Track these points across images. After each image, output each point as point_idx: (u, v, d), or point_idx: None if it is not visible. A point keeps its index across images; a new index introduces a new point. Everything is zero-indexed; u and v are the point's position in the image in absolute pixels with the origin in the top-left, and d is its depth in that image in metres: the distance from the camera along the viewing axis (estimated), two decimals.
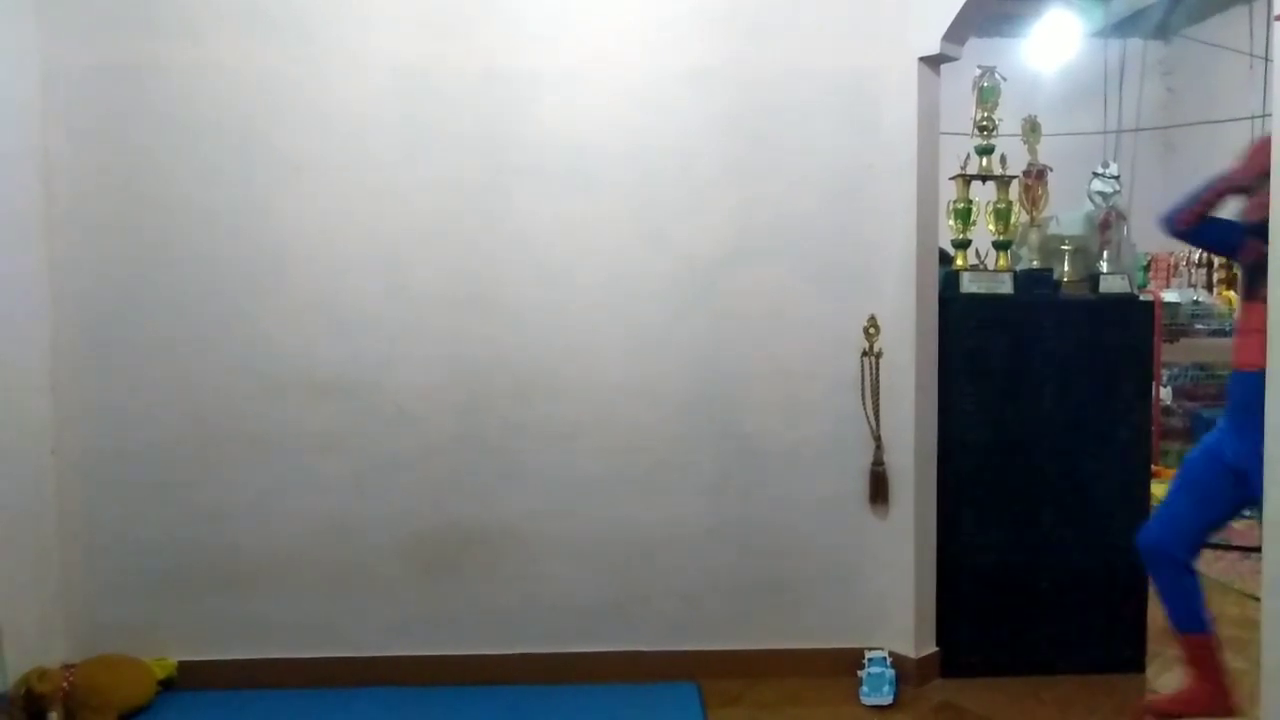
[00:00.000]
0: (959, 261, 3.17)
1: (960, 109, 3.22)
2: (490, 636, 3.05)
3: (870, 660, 2.97)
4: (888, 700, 2.87)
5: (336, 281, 2.98)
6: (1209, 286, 6.98)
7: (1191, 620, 2.59)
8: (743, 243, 3.04)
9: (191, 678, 2.95)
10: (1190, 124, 7.58)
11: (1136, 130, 7.75)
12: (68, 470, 2.94)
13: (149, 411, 2.96)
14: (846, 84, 3.03)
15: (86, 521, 2.96)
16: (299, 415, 2.99)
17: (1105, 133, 7.68)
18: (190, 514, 2.98)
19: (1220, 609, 3.92)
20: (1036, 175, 3.24)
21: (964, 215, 3.16)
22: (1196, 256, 7.12)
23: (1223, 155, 2.63)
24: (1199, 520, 2.58)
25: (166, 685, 2.91)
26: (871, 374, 3.04)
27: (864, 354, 3.05)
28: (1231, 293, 6.66)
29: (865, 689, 2.90)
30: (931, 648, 3.09)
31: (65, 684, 2.69)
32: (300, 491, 2.99)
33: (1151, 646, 3.19)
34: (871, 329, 3.04)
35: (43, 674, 2.70)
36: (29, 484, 2.82)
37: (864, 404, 3.05)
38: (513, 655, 3.05)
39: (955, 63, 2.98)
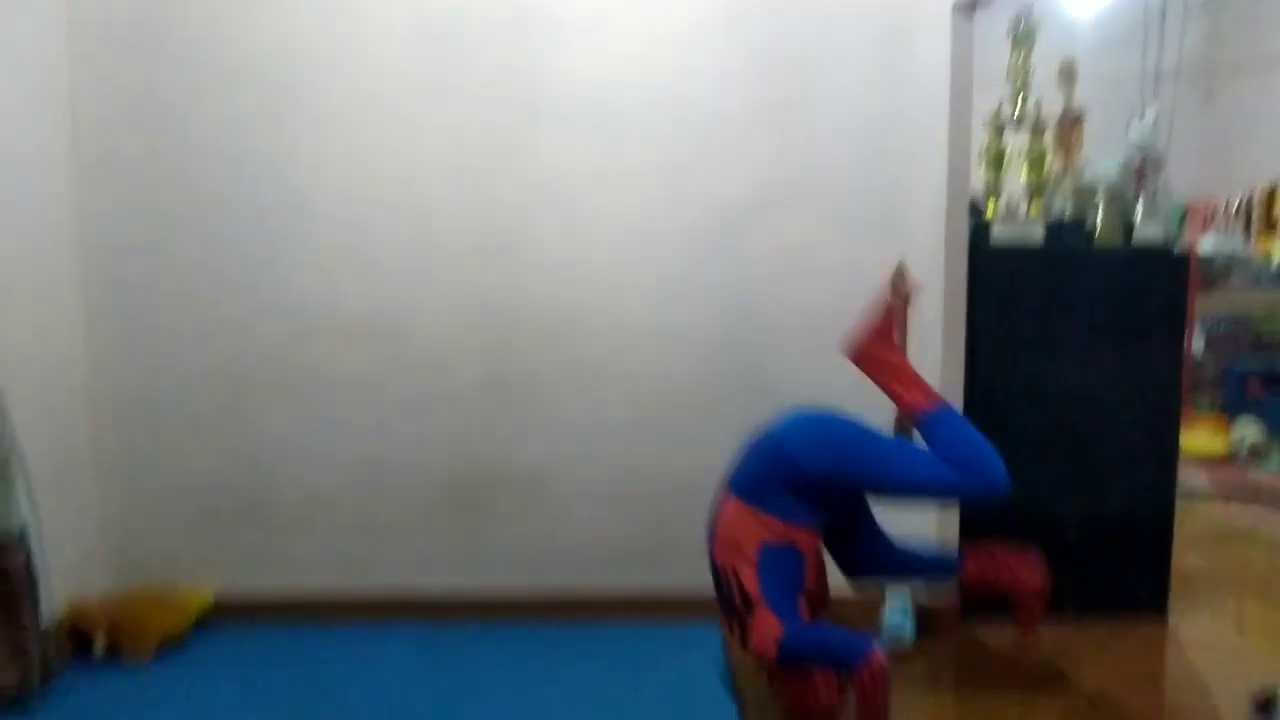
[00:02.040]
0: (990, 211, 3.12)
1: (995, 53, 3.15)
2: (516, 575, 3.12)
3: (892, 601, 3.00)
4: (908, 640, 2.92)
5: (361, 227, 2.99)
6: (1247, 235, 6.82)
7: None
8: (769, 190, 3.02)
9: (227, 610, 3.05)
10: (1235, 66, 7.34)
11: (1177, 74, 7.52)
12: (103, 410, 3.01)
13: (179, 354, 3.01)
14: (878, 29, 2.96)
15: (123, 460, 3.04)
16: (326, 359, 3.03)
17: (1144, 77, 7.46)
18: (223, 453, 3.05)
19: (1247, 558, 3.93)
20: (1071, 122, 3.16)
21: (996, 163, 3.10)
22: (1235, 204, 6.96)
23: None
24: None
25: (203, 616, 3.00)
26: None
27: None
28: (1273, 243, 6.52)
29: (886, 630, 2.95)
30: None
31: (108, 613, 2.79)
32: (329, 433, 3.05)
33: (1174, 593, 3.21)
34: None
35: (87, 604, 2.80)
36: (67, 424, 2.90)
37: None
38: (538, 594, 3.12)
39: (990, 6, 2.90)
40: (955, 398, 3.05)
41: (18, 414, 2.51)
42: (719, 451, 3.08)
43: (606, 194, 3.00)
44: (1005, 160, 3.10)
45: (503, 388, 3.06)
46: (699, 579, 3.11)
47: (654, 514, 3.12)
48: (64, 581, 2.79)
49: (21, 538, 2.45)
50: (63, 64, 2.86)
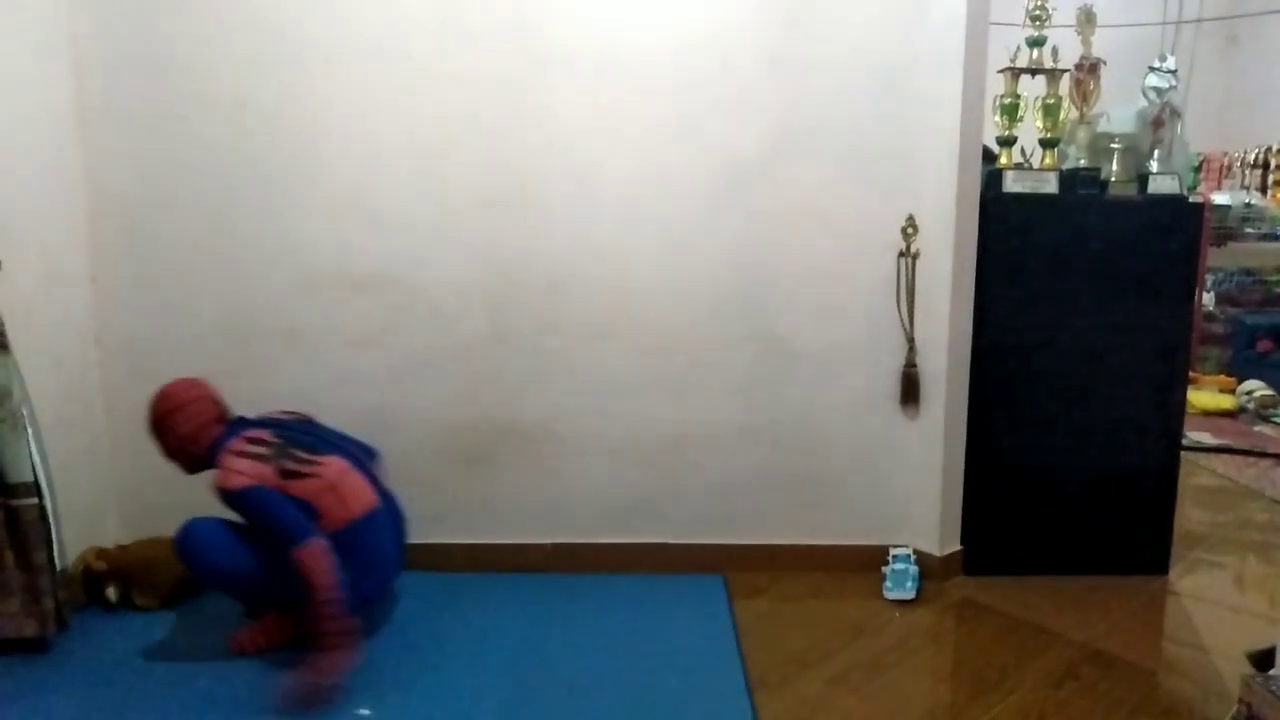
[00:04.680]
0: (1003, 159, 3.08)
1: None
2: (525, 526, 3.14)
3: (894, 557, 3.02)
4: (910, 595, 2.93)
5: (369, 176, 2.96)
6: (1263, 189, 6.74)
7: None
8: (780, 138, 2.97)
9: None
10: (1257, 14, 7.19)
11: (1198, 21, 7.37)
12: (112, 360, 3.01)
13: (187, 303, 3.00)
14: None
15: (132, 408, 3.03)
16: (335, 310, 3.02)
17: (1165, 24, 7.32)
18: (232, 404, 3.05)
19: (1249, 515, 3.94)
20: (1089, 69, 3.10)
21: (1011, 111, 3.05)
22: (1252, 156, 6.86)
23: None
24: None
25: None
26: (907, 275, 3.00)
27: (900, 255, 3.00)
28: None
29: (888, 584, 2.97)
30: (955, 546, 3.13)
31: (120, 562, 2.82)
32: (338, 384, 3.05)
33: (1176, 550, 3.22)
34: (909, 229, 2.98)
35: (99, 553, 2.83)
36: (77, 373, 2.90)
37: (898, 306, 3.02)
38: (546, 544, 3.14)
39: None
40: (963, 348, 3.04)
41: (27, 365, 2.51)
42: (726, 404, 3.10)
43: (615, 143, 2.96)
44: (1020, 108, 3.05)
45: (510, 339, 3.05)
46: (703, 531, 3.16)
47: (661, 466, 3.13)
48: (76, 531, 2.82)
49: (34, 486, 2.47)
50: (63, 5, 2.81)
